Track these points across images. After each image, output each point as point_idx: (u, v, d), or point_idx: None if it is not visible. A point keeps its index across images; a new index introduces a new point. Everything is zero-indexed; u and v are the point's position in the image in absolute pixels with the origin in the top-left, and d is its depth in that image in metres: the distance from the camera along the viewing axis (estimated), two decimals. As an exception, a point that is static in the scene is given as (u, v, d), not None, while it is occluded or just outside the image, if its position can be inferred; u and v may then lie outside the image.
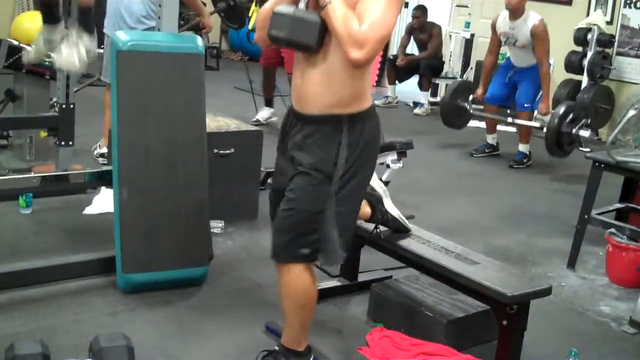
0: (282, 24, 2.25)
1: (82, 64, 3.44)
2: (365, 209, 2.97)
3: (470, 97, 6.51)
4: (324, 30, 2.23)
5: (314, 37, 2.23)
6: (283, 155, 2.48)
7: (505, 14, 6.09)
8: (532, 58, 6.06)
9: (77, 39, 3.42)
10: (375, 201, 2.99)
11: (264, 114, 6.63)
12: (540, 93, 6.21)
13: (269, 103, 6.70)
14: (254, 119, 6.38)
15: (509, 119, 6.29)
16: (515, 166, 6.14)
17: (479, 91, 6.45)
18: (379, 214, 2.99)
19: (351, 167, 2.33)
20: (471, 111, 6.53)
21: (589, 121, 5.95)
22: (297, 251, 2.35)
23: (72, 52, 3.41)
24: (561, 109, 5.81)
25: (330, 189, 2.32)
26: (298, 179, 2.35)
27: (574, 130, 5.78)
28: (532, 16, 5.97)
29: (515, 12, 5.97)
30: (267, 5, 2.37)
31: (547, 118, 5.98)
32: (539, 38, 5.91)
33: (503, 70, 6.35)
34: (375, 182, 3.07)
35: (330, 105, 2.31)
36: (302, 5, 2.28)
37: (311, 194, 2.33)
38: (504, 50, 6.53)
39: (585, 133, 5.75)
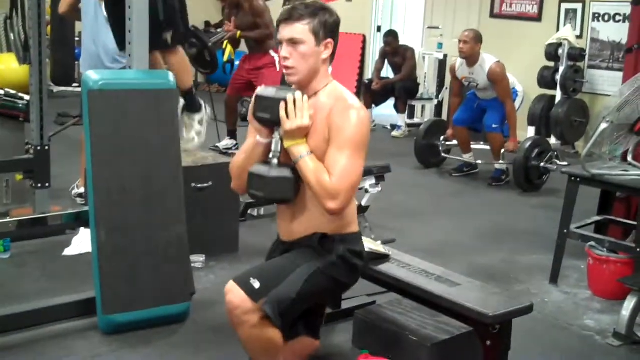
0: (259, 184, 2.42)
1: (200, 139, 3.88)
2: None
3: (442, 138, 6.57)
4: (298, 181, 2.40)
5: (291, 193, 2.41)
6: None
7: (462, 60, 6.15)
8: (494, 94, 6.13)
9: (190, 121, 3.85)
10: None
11: (225, 142, 6.70)
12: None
13: (231, 134, 6.77)
14: (213, 145, 6.41)
15: (480, 144, 6.39)
16: (494, 184, 6.17)
17: (449, 132, 6.52)
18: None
19: (328, 270, 2.45)
20: (441, 148, 6.59)
21: (556, 154, 6.02)
22: (249, 284, 2.36)
23: (191, 135, 3.84)
24: (526, 145, 5.89)
25: (308, 268, 2.42)
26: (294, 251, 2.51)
27: (542, 164, 5.84)
28: (487, 60, 6.03)
29: (470, 59, 6.05)
30: (240, 157, 2.53)
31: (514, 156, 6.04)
32: (497, 81, 5.99)
33: (472, 97, 6.39)
34: None
35: (320, 229, 2.46)
36: (274, 160, 2.42)
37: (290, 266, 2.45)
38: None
39: (552, 166, 5.81)
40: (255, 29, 6.33)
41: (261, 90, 2.47)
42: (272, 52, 6.30)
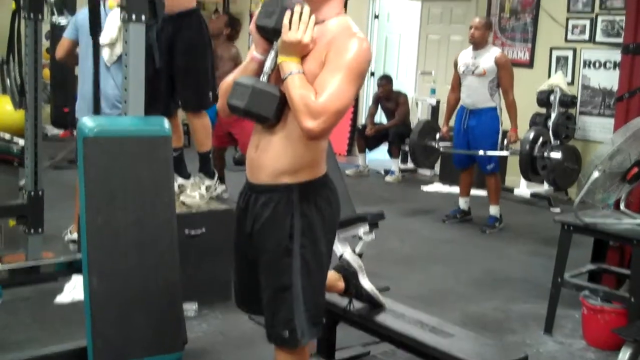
0: (241, 94, 2.25)
1: (202, 200, 4.08)
2: (339, 283, 2.97)
3: (437, 136, 6.63)
4: (283, 104, 2.23)
5: (272, 110, 2.24)
6: (241, 232, 2.43)
7: (467, 49, 6.27)
8: (485, 94, 6.12)
9: (200, 182, 4.14)
10: (350, 276, 2.99)
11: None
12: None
13: (221, 180, 6.79)
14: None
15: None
16: (487, 231, 6.18)
17: (444, 128, 6.57)
18: (353, 289, 2.98)
19: (309, 238, 2.29)
20: (440, 149, 6.65)
21: (559, 142, 6.06)
22: (278, 334, 2.30)
23: (194, 193, 4.11)
24: (530, 134, 5.96)
25: (292, 262, 2.27)
26: (262, 262, 2.34)
27: (545, 154, 5.90)
28: (495, 48, 6.29)
29: (479, 44, 6.14)
30: (231, 76, 2.40)
31: (516, 145, 6.12)
32: (504, 67, 6.05)
33: (459, 120, 6.37)
34: (350, 257, 3.08)
35: (281, 173, 2.28)
36: (264, 77, 2.29)
37: (275, 270, 2.30)
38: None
39: (556, 155, 5.85)
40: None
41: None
42: None
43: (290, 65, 2.21)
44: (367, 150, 8.57)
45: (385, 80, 8.56)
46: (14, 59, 3.99)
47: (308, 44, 2.21)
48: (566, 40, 7.74)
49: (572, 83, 7.68)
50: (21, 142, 4.44)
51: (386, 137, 8.43)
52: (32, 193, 4.02)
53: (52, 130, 8.47)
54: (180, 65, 4.06)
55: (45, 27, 4.06)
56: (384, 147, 8.63)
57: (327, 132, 2.21)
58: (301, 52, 2.21)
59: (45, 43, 4.97)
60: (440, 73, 8.90)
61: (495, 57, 6.05)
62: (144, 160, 3.16)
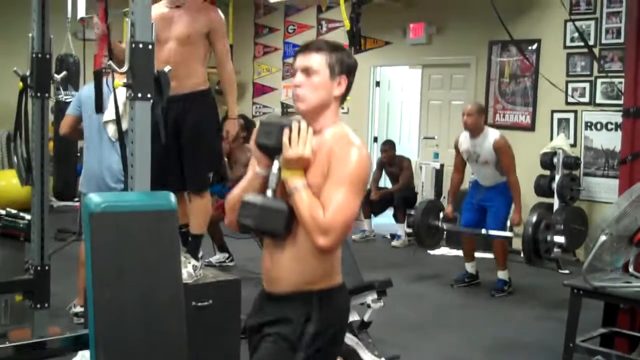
0: (250, 213, 2.34)
1: (189, 277, 3.98)
2: None
3: (441, 215, 6.61)
4: (292, 217, 2.30)
5: (282, 226, 2.30)
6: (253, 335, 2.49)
7: (465, 133, 6.26)
8: (496, 175, 6.17)
9: (186, 262, 4.00)
10: (350, 355, 2.95)
11: (217, 257, 6.79)
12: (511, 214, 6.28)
13: (221, 248, 6.85)
14: (207, 260, 6.43)
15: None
16: (496, 295, 6.13)
17: (448, 209, 6.56)
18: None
19: (318, 342, 2.31)
20: (444, 228, 6.62)
21: (562, 227, 6.02)
22: None
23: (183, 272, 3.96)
24: (533, 217, 5.92)
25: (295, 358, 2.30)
26: (262, 347, 2.35)
27: (548, 237, 5.85)
28: (492, 133, 6.19)
29: (473, 131, 6.15)
30: (236, 191, 2.47)
31: (520, 229, 6.06)
32: (502, 151, 6.05)
33: (472, 193, 6.45)
34: (346, 336, 3.04)
35: (301, 284, 2.34)
36: (269, 193, 2.35)
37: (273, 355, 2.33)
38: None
39: (560, 239, 5.81)
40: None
41: (266, 117, 2.42)
42: None
43: (295, 181, 2.28)
44: (372, 215, 8.57)
45: (389, 146, 8.63)
46: (21, 136, 4.04)
47: (309, 157, 2.29)
48: (567, 102, 7.80)
49: (574, 145, 7.72)
50: (27, 216, 4.46)
51: (391, 202, 8.45)
52: (39, 268, 4.02)
53: (57, 202, 8.51)
54: (186, 145, 4.04)
55: (50, 102, 4.10)
56: (389, 212, 8.64)
57: (338, 246, 2.29)
58: (303, 165, 2.29)
59: (50, 117, 5.03)
60: (442, 137, 8.97)
61: (492, 143, 6.06)
62: (151, 234, 3.16)
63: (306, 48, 2.38)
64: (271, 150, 2.35)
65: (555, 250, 7.02)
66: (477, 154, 6.15)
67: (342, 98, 2.42)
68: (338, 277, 2.41)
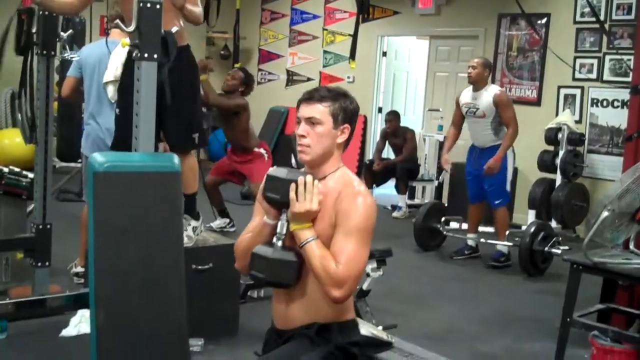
0: (261, 266, 2.41)
1: (189, 240, 3.98)
2: None
3: (443, 219, 6.59)
4: (301, 267, 2.37)
5: (292, 277, 2.39)
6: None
7: (469, 87, 6.23)
8: (489, 134, 6.12)
9: (185, 224, 3.96)
10: None
11: (218, 222, 6.75)
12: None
13: (222, 214, 6.81)
14: (208, 225, 6.41)
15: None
16: (492, 263, 6.16)
17: (445, 157, 6.52)
18: None
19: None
20: (444, 232, 6.60)
21: (559, 239, 6.00)
22: None
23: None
24: (531, 228, 5.89)
25: (312, 353, 2.37)
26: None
27: (546, 248, 5.84)
28: (493, 87, 6.20)
29: (477, 84, 6.11)
30: (245, 236, 2.52)
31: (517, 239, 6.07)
32: (502, 105, 6.02)
33: (469, 159, 6.41)
34: None
35: (313, 321, 2.42)
36: (279, 243, 2.40)
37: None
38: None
39: (557, 250, 5.80)
40: (236, 127, 6.49)
41: (273, 170, 2.46)
42: (256, 149, 6.44)
43: (305, 233, 2.35)
44: (374, 185, 8.57)
45: (393, 116, 8.60)
46: (26, 94, 4.03)
47: (317, 210, 2.35)
48: (574, 78, 7.76)
49: (579, 121, 7.69)
50: (30, 175, 4.46)
51: (393, 173, 8.44)
52: (41, 226, 4.03)
53: (60, 163, 8.50)
54: (168, 105, 3.81)
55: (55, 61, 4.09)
56: (391, 183, 8.64)
57: (351, 294, 2.38)
58: (311, 218, 2.36)
59: (56, 77, 5.02)
60: (448, 110, 8.91)
61: (493, 95, 6.02)
62: (154, 195, 3.16)
63: (310, 98, 2.43)
64: (279, 204, 2.42)
65: (555, 226, 7.06)
66: (476, 107, 6.11)
67: (345, 144, 2.47)
68: (351, 314, 2.51)
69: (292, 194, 2.34)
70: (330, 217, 2.35)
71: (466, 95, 6.24)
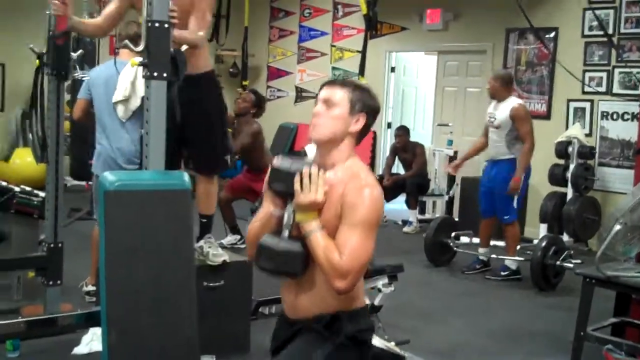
0: (268, 257, 2.40)
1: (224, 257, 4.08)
2: None
3: (453, 234, 6.58)
4: (308, 257, 2.36)
5: (299, 268, 2.37)
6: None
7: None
8: (502, 146, 6.14)
9: (212, 243, 4.13)
10: None
11: (229, 239, 6.77)
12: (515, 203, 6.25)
13: (233, 230, 6.84)
14: (219, 241, 6.42)
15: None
16: (492, 277, 6.21)
17: (456, 162, 6.67)
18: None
19: (345, 352, 2.39)
20: (454, 248, 6.58)
21: (571, 252, 5.97)
22: None
23: (218, 251, 4.13)
24: (543, 242, 5.87)
25: (322, 349, 2.37)
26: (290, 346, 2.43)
27: (557, 263, 5.81)
28: (513, 100, 6.22)
29: (495, 97, 6.21)
30: (254, 224, 2.50)
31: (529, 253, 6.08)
32: (519, 118, 6.04)
33: (483, 176, 6.48)
34: None
35: (323, 310, 2.40)
36: (285, 233, 2.40)
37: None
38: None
39: (569, 264, 5.76)
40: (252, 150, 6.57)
41: (278, 161, 2.45)
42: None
43: (310, 224, 2.33)
44: (384, 201, 8.55)
45: (402, 131, 8.60)
46: (37, 113, 4.06)
47: (322, 201, 2.33)
48: (583, 92, 7.75)
49: (590, 134, 7.68)
50: (41, 194, 4.48)
51: (403, 188, 8.43)
52: (52, 245, 4.04)
53: (72, 182, 8.55)
54: (196, 129, 3.91)
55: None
56: (401, 198, 8.63)
57: (355, 285, 2.34)
58: (316, 208, 2.35)
59: (66, 97, 5.05)
60: (457, 124, 8.94)
61: (510, 108, 6.05)
62: (165, 214, 3.17)
63: (332, 82, 2.44)
64: (284, 195, 2.41)
65: (567, 239, 7.02)
66: (494, 117, 6.16)
67: (359, 136, 2.45)
68: (360, 301, 2.48)
69: (297, 185, 2.33)
70: (336, 207, 2.33)
71: (491, 105, 6.33)
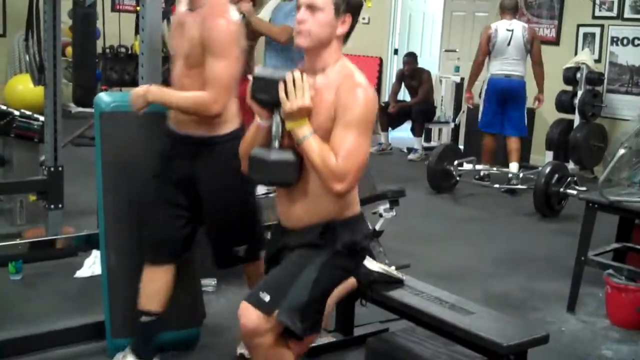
0: (261, 168, 2.36)
1: None
2: (349, 279, 2.87)
3: (456, 162, 6.56)
4: (301, 165, 2.33)
5: (292, 176, 2.34)
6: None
7: (496, 24, 6.56)
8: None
9: None
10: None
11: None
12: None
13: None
14: None
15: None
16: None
17: (467, 94, 6.80)
18: (363, 278, 2.84)
19: (337, 257, 2.39)
20: (457, 176, 6.56)
21: (575, 179, 5.94)
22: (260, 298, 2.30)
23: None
24: (546, 169, 5.81)
25: (317, 258, 2.36)
26: (284, 258, 2.43)
27: (561, 189, 5.78)
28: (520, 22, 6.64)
29: (515, 12, 6.60)
30: (245, 140, 2.46)
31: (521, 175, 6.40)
32: (535, 38, 6.52)
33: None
34: None
35: (319, 219, 2.39)
36: (276, 143, 2.34)
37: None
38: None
39: (572, 191, 5.73)
40: None
41: (259, 70, 2.38)
42: None
43: (302, 130, 2.28)
44: (389, 128, 8.50)
45: (411, 58, 8.47)
46: (33, 36, 3.99)
47: (309, 105, 2.27)
48: (593, 16, 7.59)
49: (599, 60, 7.54)
50: (41, 118, 4.44)
51: (409, 115, 8.35)
52: (52, 169, 4.03)
53: (76, 108, 8.48)
54: (207, 216, 2.99)
55: (68, 5, 4.02)
56: (407, 126, 8.56)
57: (353, 188, 2.33)
58: (305, 114, 2.28)
59: (68, 21, 4.97)
60: (464, 51, 8.78)
61: (527, 29, 6.48)
62: (158, 134, 3.13)
63: None
64: (269, 104, 2.34)
65: (573, 167, 7.01)
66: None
67: (345, 37, 2.38)
68: (356, 208, 2.46)
69: (281, 94, 2.27)
70: (328, 110, 2.28)
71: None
